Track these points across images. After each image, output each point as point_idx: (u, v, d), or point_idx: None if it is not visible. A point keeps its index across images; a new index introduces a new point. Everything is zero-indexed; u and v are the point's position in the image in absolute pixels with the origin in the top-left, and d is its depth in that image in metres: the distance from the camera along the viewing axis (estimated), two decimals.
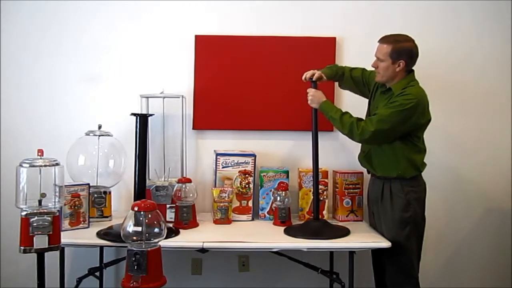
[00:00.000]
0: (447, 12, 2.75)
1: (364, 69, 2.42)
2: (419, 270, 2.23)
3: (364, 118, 2.29)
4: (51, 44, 2.69)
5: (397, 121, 2.09)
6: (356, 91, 2.47)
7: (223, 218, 2.42)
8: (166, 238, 1.84)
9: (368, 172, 2.42)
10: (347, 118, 2.17)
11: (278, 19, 2.72)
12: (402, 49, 2.13)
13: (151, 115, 2.43)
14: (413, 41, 2.17)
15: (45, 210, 1.73)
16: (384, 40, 2.17)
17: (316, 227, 2.23)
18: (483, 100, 2.79)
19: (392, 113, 2.08)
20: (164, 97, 2.57)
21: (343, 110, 2.22)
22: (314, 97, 2.25)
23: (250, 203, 2.52)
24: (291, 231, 2.24)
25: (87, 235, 2.13)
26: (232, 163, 2.50)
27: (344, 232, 2.21)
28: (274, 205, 2.48)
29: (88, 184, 2.30)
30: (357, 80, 2.42)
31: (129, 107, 2.52)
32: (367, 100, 2.42)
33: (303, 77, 2.30)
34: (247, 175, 2.51)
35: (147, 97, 2.60)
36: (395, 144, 2.17)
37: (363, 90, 2.42)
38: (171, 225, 2.28)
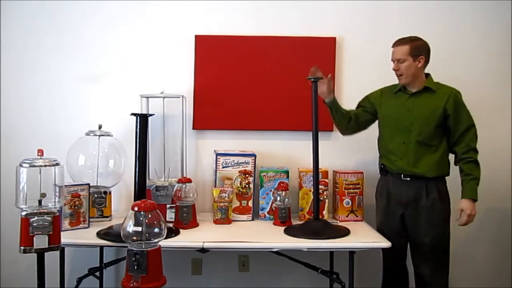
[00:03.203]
0: (447, 12, 2.75)
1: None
2: None
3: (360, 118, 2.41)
4: (51, 44, 2.69)
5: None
6: (367, 121, 2.46)
7: (223, 218, 2.42)
8: (166, 238, 1.83)
9: (383, 174, 2.41)
10: (472, 166, 2.24)
11: (278, 19, 2.72)
12: (420, 46, 2.23)
13: (151, 115, 2.43)
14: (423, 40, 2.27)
15: (45, 210, 1.73)
16: (399, 42, 2.25)
17: (316, 227, 2.23)
18: (483, 100, 2.79)
19: (468, 111, 2.29)
20: (164, 97, 2.57)
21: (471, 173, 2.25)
22: (472, 211, 2.24)
23: (250, 203, 2.52)
24: (291, 231, 2.24)
25: (87, 235, 2.13)
26: (232, 163, 2.50)
27: (344, 232, 2.21)
28: (274, 205, 2.48)
29: (88, 184, 2.30)
30: (361, 113, 2.44)
31: (129, 107, 2.52)
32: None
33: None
34: (247, 175, 2.50)
35: (147, 97, 2.60)
36: (442, 144, 2.27)
37: (371, 110, 2.43)
38: (171, 225, 2.28)
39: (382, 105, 2.39)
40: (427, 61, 2.26)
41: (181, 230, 2.24)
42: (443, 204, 2.26)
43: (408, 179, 2.28)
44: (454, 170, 2.31)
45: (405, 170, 2.29)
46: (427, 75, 2.31)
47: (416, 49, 2.21)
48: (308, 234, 2.16)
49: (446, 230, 2.28)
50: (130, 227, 1.71)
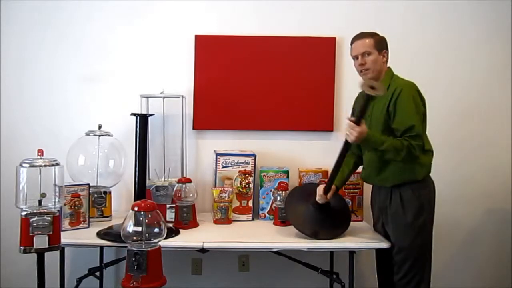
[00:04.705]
0: (447, 13, 2.75)
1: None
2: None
3: None
4: (51, 44, 2.69)
5: (419, 109, 2.01)
6: None
7: (223, 218, 2.42)
8: (166, 238, 1.83)
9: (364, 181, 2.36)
10: (397, 143, 1.96)
11: (278, 19, 2.72)
12: (381, 40, 2.12)
13: (151, 115, 2.43)
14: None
15: (45, 210, 1.73)
16: (361, 36, 2.11)
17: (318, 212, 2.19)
18: (483, 100, 2.79)
19: (411, 109, 1.98)
20: (164, 97, 2.57)
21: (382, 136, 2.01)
22: (360, 133, 1.90)
23: (250, 203, 2.52)
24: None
25: (87, 235, 2.13)
26: (232, 163, 2.50)
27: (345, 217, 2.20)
28: (274, 205, 2.48)
29: (88, 184, 2.30)
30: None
31: (129, 107, 2.52)
32: None
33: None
34: (247, 175, 2.51)
35: (147, 97, 2.60)
36: None
37: None
38: (171, 225, 2.28)
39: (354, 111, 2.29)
40: (387, 56, 2.13)
41: (181, 230, 2.24)
42: (408, 212, 2.05)
43: (379, 186, 2.19)
44: (432, 177, 2.14)
45: (369, 180, 2.23)
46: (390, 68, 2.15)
47: (380, 43, 2.08)
48: (308, 234, 2.15)
49: (417, 240, 2.05)
50: (130, 227, 1.71)
